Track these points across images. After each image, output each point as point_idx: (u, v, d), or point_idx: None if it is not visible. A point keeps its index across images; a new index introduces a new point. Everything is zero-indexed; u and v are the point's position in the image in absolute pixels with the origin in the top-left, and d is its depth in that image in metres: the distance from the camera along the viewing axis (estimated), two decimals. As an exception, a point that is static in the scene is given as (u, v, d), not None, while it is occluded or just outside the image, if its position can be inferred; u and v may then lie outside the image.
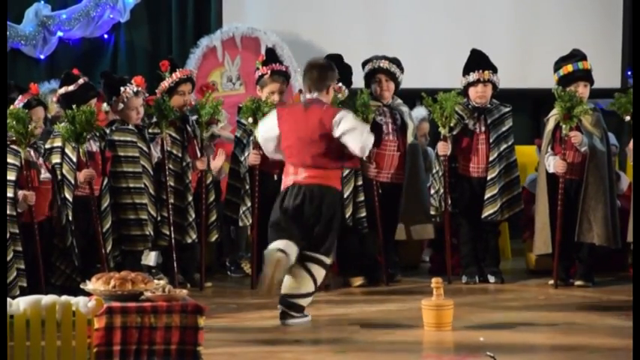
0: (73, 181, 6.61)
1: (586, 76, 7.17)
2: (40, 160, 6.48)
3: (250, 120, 7.12)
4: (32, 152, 6.42)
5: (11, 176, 6.26)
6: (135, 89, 6.98)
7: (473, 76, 7.32)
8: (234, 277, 7.77)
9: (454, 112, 7.24)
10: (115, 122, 7.01)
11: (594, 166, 7.08)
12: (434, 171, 7.45)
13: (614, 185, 7.24)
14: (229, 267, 7.87)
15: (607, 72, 8.82)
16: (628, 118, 7.07)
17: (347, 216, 7.17)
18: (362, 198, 7.18)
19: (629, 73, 9.25)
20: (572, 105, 6.95)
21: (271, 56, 7.48)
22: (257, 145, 7.17)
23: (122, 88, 6.95)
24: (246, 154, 7.24)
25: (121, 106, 6.96)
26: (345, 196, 7.17)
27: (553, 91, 7.04)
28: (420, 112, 8.06)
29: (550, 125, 7.20)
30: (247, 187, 7.22)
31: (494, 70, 7.36)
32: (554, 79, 7.23)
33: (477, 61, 7.37)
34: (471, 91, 7.36)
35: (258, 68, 7.38)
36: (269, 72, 7.29)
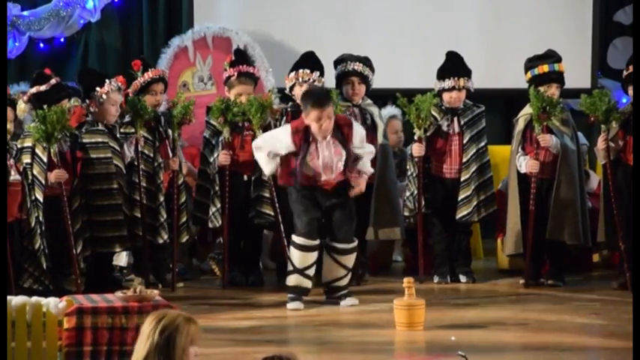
0: (43, 182, 6.57)
1: (559, 78, 7.21)
2: (11, 161, 6.42)
3: (220, 120, 7.11)
4: (4, 153, 6.37)
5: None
6: (119, 84, 6.96)
7: (448, 83, 7.31)
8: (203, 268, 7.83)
9: (430, 114, 7.25)
10: (85, 124, 6.96)
11: (566, 165, 7.11)
12: (408, 173, 7.44)
13: (584, 184, 7.28)
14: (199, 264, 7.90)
15: (577, 72, 8.86)
16: (592, 119, 7.11)
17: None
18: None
19: (600, 73, 9.31)
20: (547, 105, 6.98)
21: (239, 58, 7.47)
22: (226, 145, 7.17)
23: (107, 81, 6.92)
24: (215, 154, 7.22)
25: (103, 98, 6.89)
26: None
27: (530, 91, 7.05)
28: (388, 110, 8.07)
29: (520, 125, 7.23)
30: (217, 188, 7.21)
31: (469, 75, 7.36)
32: (527, 76, 7.24)
33: (454, 66, 7.35)
34: (445, 95, 7.36)
35: (225, 69, 7.37)
36: (236, 74, 7.28)
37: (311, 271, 6.39)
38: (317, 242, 6.35)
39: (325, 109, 6.25)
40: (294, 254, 6.34)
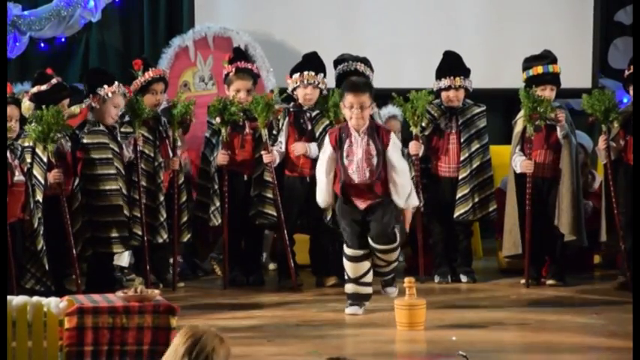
0: (43, 182, 6.57)
1: (554, 79, 7.21)
2: (16, 162, 6.42)
3: (218, 120, 7.12)
4: (7, 153, 6.35)
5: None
6: (124, 90, 6.97)
7: (444, 83, 7.34)
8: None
9: (426, 112, 7.27)
10: (87, 124, 6.96)
11: (568, 154, 7.11)
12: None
13: (580, 182, 7.25)
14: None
15: (578, 72, 8.87)
16: (591, 119, 7.12)
17: (328, 217, 7.16)
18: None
19: (600, 73, 9.31)
20: (537, 105, 6.98)
21: (238, 55, 7.49)
22: (225, 145, 7.18)
23: (116, 82, 6.93)
24: (215, 153, 7.23)
25: (108, 97, 6.87)
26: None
27: (520, 92, 7.06)
28: (388, 110, 8.08)
29: (518, 127, 7.23)
30: (216, 186, 7.22)
31: (467, 74, 7.37)
32: (523, 77, 7.26)
33: (450, 65, 7.37)
34: (443, 94, 7.39)
35: (224, 67, 7.39)
36: (234, 69, 7.30)
37: (367, 278, 6.25)
38: (366, 251, 6.21)
39: (359, 95, 6.15)
40: (347, 265, 6.24)
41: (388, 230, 6.20)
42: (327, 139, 6.35)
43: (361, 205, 6.20)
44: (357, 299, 6.27)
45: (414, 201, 6.40)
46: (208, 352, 3.17)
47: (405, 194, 6.23)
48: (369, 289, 6.28)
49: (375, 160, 6.15)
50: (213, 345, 3.19)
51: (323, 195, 6.32)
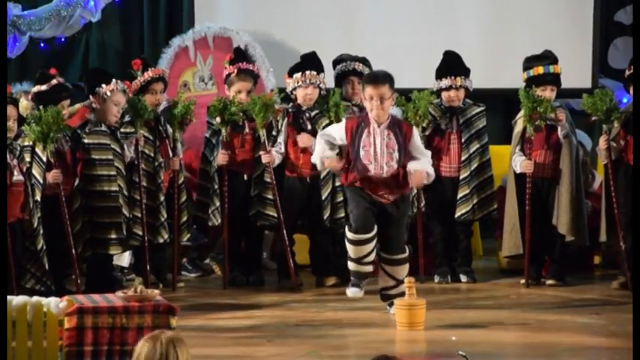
0: (42, 182, 6.57)
1: (554, 80, 7.21)
2: (15, 162, 6.42)
3: (218, 120, 7.12)
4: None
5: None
6: (124, 87, 6.96)
7: (445, 83, 7.34)
8: (192, 276, 7.73)
9: (427, 112, 7.27)
10: (88, 124, 6.96)
11: (568, 154, 7.11)
12: (405, 171, 7.45)
13: (581, 183, 7.26)
14: (185, 266, 7.84)
15: (577, 72, 8.86)
16: (594, 117, 7.12)
17: (325, 217, 7.17)
18: (340, 199, 7.17)
19: (600, 73, 9.31)
20: (537, 105, 6.98)
21: (239, 55, 7.48)
22: (225, 145, 7.18)
23: (113, 80, 6.91)
24: (215, 154, 7.23)
25: (107, 95, 6.86)
26: (324, 197, 7.18)
27: (520, 92, 7.06)
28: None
29: (518, 127, 7.24)
30: (216, 186, 7.22)
31: (467, 73, 7.38)
32: (523, 77, 7.26)
33: (450, 65, 7.38)
34: (444, 94, 7.39)
35: (225, 67, 7.39)
36: (235, 70, 7.30)
37: (369, 258, 6.15)
38: (370, 235, 6.08)
39: (379, 87, 6.07)
40: (349, 248, 6.16)
41: (403, 233, 6.20)
42: (343, 124, 6.22)
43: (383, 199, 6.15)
44: (359, 277, 6.18)
45: (430, 170, 6.30)
46: (178, 354, 3.33)
47: (427, 162, 6.22)
48: (370, 268, 6.21)
49: (396, 155, 6.09)
50: (180, 346, 3.36)
51: (321, 154, 6.24)
